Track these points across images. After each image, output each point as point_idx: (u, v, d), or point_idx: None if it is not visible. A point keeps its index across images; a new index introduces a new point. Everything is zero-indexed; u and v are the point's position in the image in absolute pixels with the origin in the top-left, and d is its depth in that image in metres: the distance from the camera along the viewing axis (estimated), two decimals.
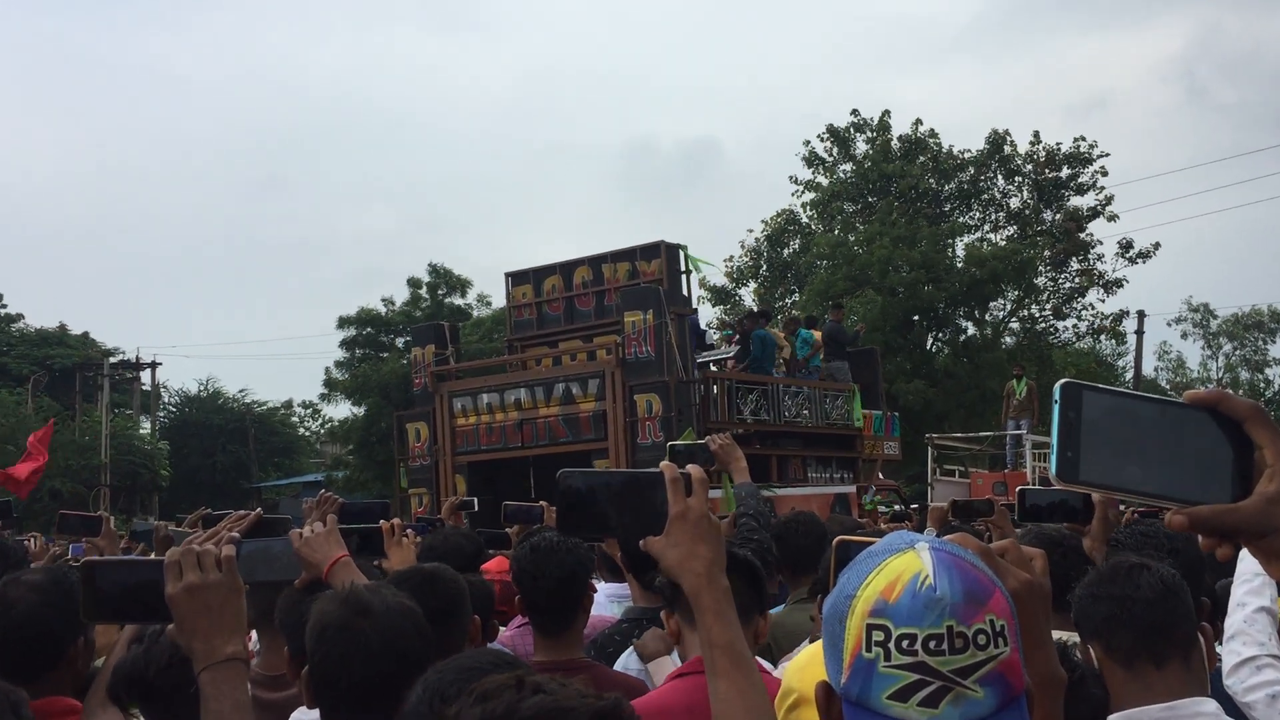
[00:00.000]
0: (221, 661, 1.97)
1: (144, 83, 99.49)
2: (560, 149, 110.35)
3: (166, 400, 50.31)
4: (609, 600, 4.76)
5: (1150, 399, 1.21)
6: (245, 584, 2.59)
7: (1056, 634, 1.81)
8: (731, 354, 16.59)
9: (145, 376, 46.33)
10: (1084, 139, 34.56)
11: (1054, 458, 1.18)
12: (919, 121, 35.17)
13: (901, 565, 1.28)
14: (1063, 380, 1.22)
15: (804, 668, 2.48)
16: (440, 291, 38.09)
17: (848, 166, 35.51)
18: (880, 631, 1.25)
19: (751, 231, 36.68)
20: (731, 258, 36.36)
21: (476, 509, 7.19)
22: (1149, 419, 1.19)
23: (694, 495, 1.84)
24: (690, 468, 1.87)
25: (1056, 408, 1.19)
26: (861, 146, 35.44)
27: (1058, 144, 34.76)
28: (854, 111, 35.63)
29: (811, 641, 3.16)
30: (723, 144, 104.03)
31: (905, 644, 1.23)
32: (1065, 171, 34.80)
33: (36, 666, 2.63)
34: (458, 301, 38.64)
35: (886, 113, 35.26)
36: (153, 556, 2.20)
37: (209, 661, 1.98)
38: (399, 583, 2.77)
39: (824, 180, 35.70)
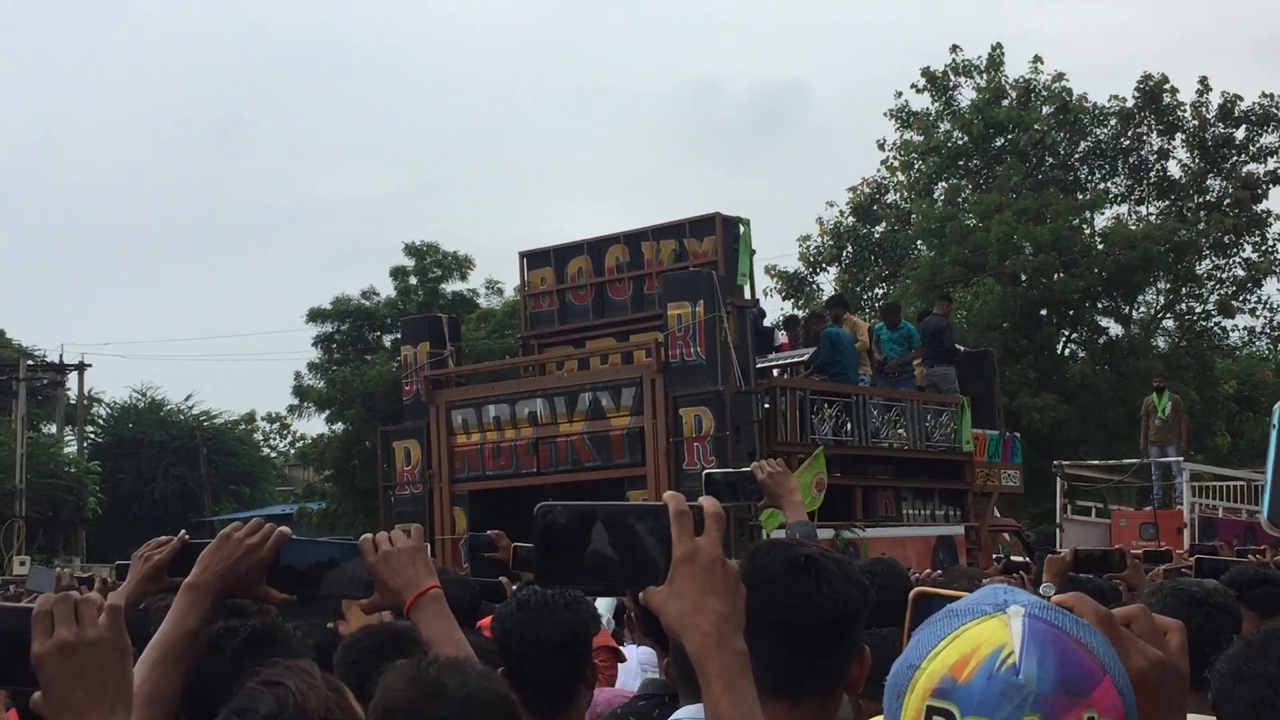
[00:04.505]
0: None
1: (66, 6, 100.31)
2: (595, 96, 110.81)
3: (97, 411, 50.91)
4: (641, 668, 4.71)
5: None
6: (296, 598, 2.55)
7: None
8: (804, 357, 16.56)
9: (71, 381, 46.96)
10: (1271, 96, 33.87)
11: (1266, 498, 1.16)
12: (1038, 59, 34.81)
13: (982, 635, 1.27)
14: None
15: None
16: (430, 275, 38.16)
17: (945, 125, 35.15)
18: (942, 716, 1.24)
19: (833, 205, 36.53)
20: (808, 237, 36.30)
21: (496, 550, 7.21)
22: None
23: (705, 534, 1.82)
24: (703, 499, 1.84)
25: (1275, 434, 1.16)
26: (969, 95, 35.12)
27: (1226, 94, 34.14)
28: (954, 48, 35.24)
29: None
30: (811, 88, 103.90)
31: None
32: (1242, 132, 34.15)
33: None
34: (459, 288, 38.80)
35: (997, 47, 34.91)
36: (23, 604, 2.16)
37: None
38: (352, 645, 2.74)
39: (916, 137, 35.33)
